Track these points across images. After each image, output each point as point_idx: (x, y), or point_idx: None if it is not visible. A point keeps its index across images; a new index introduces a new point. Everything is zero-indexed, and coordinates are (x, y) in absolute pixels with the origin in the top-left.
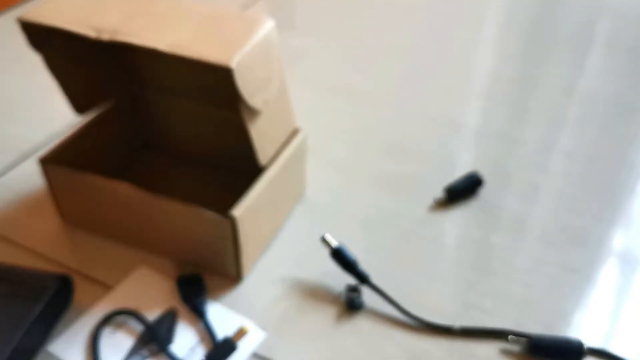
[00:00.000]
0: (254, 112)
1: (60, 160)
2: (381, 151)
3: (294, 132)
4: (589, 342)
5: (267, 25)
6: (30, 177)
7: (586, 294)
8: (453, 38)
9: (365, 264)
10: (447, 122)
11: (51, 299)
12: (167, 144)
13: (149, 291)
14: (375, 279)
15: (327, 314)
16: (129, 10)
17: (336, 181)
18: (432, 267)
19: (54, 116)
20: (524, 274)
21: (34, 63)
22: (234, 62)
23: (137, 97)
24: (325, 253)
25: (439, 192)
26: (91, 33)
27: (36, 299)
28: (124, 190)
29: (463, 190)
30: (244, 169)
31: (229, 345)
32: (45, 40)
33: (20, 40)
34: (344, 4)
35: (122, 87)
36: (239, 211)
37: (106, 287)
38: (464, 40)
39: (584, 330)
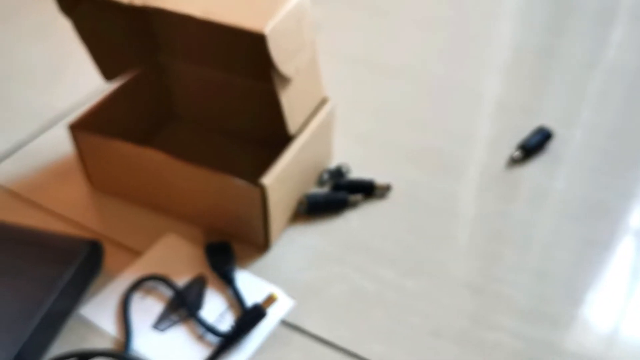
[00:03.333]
0: (285, 80)
1: (89, 127)
2: (404, 124)
3: (323, 101)
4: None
5: None
6: (57, 144)
7: (604, 268)
8: (477, 9)
9: (382, 231)
10: (470, 94)
11: (82, 264)
12: (191, 114)
13: (177, 258)
14: (400, 249)
15: (351, 284)
16: None
17: (359, 152)
18: (452, 240)
19: (79, 83)
20: (543, 247)
21: (57, 31)
22: (267, 29)
23: (163, 66)
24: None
25: (461, 166)
26: None
27: (68, 264)
28: (153, 156)
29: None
30: (268, 139)
31: (258, 311)
32: (75, 5)
33: (43, 8)
34: None
35: (149, 56)
36: (268, 179)
37: (135, 253)
38: (488, 12)
39: (598, 304)
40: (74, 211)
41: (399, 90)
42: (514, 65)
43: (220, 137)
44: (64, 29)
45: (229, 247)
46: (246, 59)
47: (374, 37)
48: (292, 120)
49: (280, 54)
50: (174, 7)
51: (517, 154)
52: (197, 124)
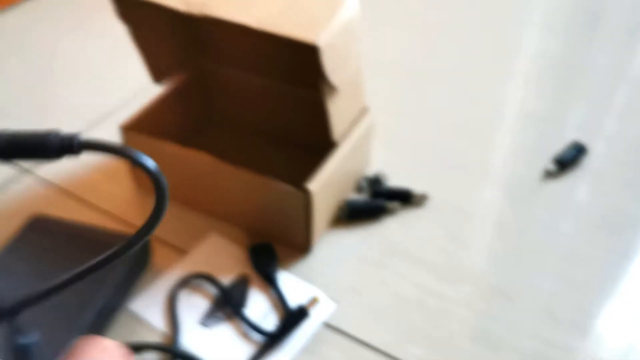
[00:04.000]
0: (332, 89)
1: (138, 128)
2: (440, 132)
3: (364, 110)
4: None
5: (352, 6)
6: None
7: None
8: (506, 20)
9: (420, 238)
10: (503, 105)
11: (133, 260)
12: (230, 118)
13: (221, 257)
14: (440, 256)
15: (391, 288)
16: None
17: (396, 160)
18: (487, 248)
19: (122, 83)
20: (575, 257)
21: (104, 33)
22: (320, 40)
23: (206, 71)
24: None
25: (496, 176)
26: (181, 6)
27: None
28: (202, 158)
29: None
30: (306, 144)
31: (302, 312)
32: (133, 11)
33: (83, 8)
34: None
35: (194, 60)
36: (314, 185)
37: (180, 252)
38: (517, 23)
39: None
40: (120, 209)
41: (434, 99)
42: (544, 76)
43: (258, 140)
44: (111, 32)
45: (271, 249)
46: (294, 67)
47: (407, 45)
48: (336, 128)
49: (330, 65)
50: (231, 17)
51: (552, 167)
52: (236, 127)
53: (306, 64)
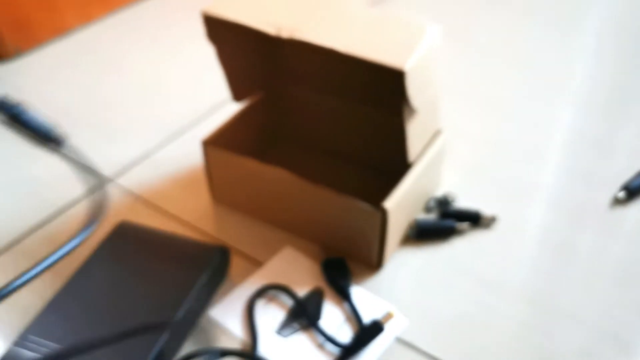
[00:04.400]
0: (412, 112)
1: (217, 143)
2: (506, 156)
3: (437, 132)
4: None
5: (435, 32)
6: (180, 156)
7: None
8: (565, 48)
9: (489, 260)
10: (568, 130)
11: (214, 268)
12: (302, 137)
13: (295, 270)
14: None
15: (460, 307)
16: (301, 11)
17: (463, 181)
18: (557, 273)
19: (198, 100)
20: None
21: (170, 49)
22: (407, 66)
23: (283, 91)
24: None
25: (565, 201)
26: (271, 30)
27: (203, 267)
28: (280, 175)
29: None
30: (375, 166)
31: (377, 327)
32: (222, 32)
33: (154, 26)
34: (472, 6)
35: (272, 80)
36: (390, 203)
37: (255, 263)
38: (577, 49)
39: None
40: (197, 219)
41: (497, 123)
42: (609, 102)
43: (326, 159)
44: (174, 47)
45: (345, 264)
46: (376, 90)
47: (467, 70)
48: (413, 149)
49: (414, 89)
50: (320, 42)
51: (621, 194)
52: (307, 146)
53: (390, 88)
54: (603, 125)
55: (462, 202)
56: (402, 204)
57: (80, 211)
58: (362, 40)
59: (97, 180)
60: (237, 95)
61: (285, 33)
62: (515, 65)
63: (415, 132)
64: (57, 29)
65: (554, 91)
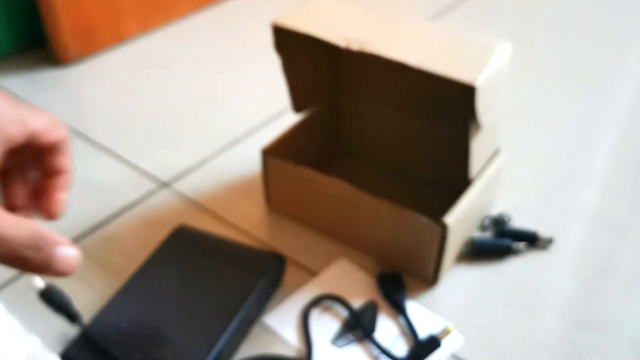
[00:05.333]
0: (477, 129)
1: (277, 153)
2: (563, 177)
3: (497, 151)
4: None
5: (505, 50)
6: (235, 164)
7: None
8: (614, 65)
9: (546, 281)
10: (627, 154)
11: (271, 275)
12: (359, 150)
13: (350, 282)
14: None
15: (517, 327)
16: (372, 25)
17: (518, 200)
18: (616, 298)
19: (253, 109)
20: None
21: (229, 59)
22: (478, 82)
23: (343, 103)
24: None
25: (623, 226)
26: (341, 42)
27: (261, 274)
28: (339, 186)
29: None
30: (432, 181)
31: (435, 342)
32: (290, 42)
33: (213, 35)
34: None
35: (332, 92)
36: (450, 219)
37: (310, 273)
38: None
39: None
40: (252, 226)
41: (554, 145)
42: None
43: (383, 173)
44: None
45: (400, 278)
46: (444, 105)
47: (530, 90)
48: (474, 166)
49: (483, 106)
50: (390, 55)
51: None
52: (364, 159)
53: (459, 103)
54: None
55: (518, 222)
56: (462, 220)
57: (138, 213)
58: (432, 55)
59: (154, 185)
60: (298, 106)
61: (355, 45)
62: (578, 88)
63: (478, 149)
64: (117, 37)
65: (617, 116)
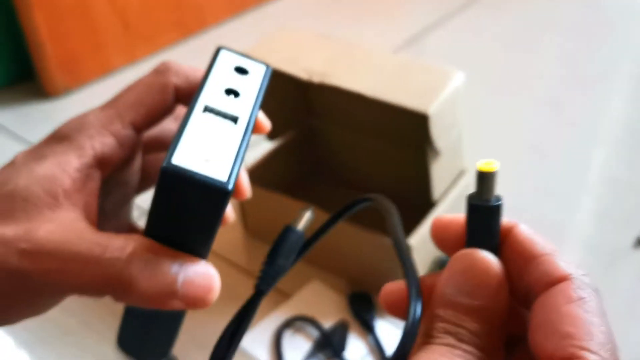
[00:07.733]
0: (435, 153)
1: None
2: (528, 195)
3: (461, 173)
4: None
5: (458, 78)
6: None
7: None
8: (593, 85)
9: None
10: (592, 172)
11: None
12: (333, 174)
13: (322, 303)
14: None
15: None
16: (330, 55)
17: None
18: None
19: None
20: None
21: None
22: (431, 110)
23: (314, 129)
24: None
25: (587, 242)
26: (303, 75)
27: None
28: None
29: None
30: (404, 202)
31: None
32: None
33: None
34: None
35: (304, 120)
36: (414, 240)
37: (283, 295)
38: (605, 89)
39: None
40: (229, 250)
41: (523, 163)
42: (634, 144)
43: (357, 195)
44: None
45: (370, 298)
46: (402, 131)
47: (497, 112)
48: (436, 189)
49: (437, 131)
50: (348, 86)
51: None
52: (337, 183)
53: (414, 130)
54: (626, 166)
55: None
56: (425, 241)
57: None
58: (388, 84)
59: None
60: (272, 133)
61: (316, 78)
62: (544, 106)
63: (438, 172)
64: (104, 68)
65: (584, 132)
